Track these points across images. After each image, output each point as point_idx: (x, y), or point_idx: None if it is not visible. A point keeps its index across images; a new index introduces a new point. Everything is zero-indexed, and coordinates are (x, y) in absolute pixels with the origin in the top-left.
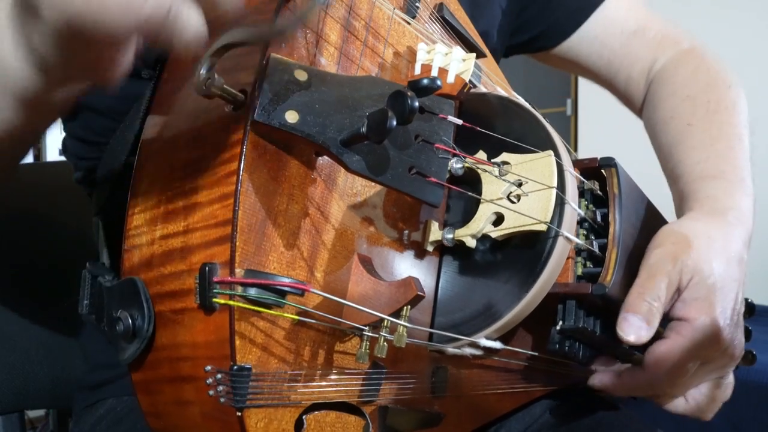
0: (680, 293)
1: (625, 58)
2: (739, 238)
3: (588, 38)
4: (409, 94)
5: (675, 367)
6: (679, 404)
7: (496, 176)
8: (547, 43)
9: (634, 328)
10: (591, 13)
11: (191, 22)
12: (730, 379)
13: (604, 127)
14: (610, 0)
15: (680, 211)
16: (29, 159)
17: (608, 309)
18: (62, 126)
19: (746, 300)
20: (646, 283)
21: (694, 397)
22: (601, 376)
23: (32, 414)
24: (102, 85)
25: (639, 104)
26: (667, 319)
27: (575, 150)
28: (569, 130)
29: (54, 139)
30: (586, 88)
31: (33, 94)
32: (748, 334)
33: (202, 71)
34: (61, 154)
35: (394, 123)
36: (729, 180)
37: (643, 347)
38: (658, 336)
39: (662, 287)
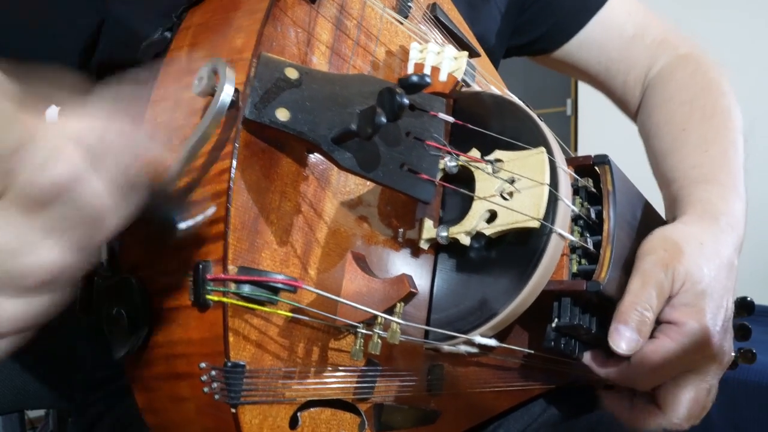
0: (672, 302)
1: (623, 63)
2: (730, 244)
3: (587, 42)
4: (398, 90)
5: (658, 367)
6: (667, 418)
7: (489, 173)
8: (547, 46)
9: (626, 340)
10: (591, 18)
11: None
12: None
13: (604, 127)
14: (610, 4)
15: (671, 215)
16: None
17: (603, 306)
18: None
19: (745, 298)
20: (638, 292)
21: (684, 406)
22: (592, 355)
23: (32, 414)
24: None
25: (634, 109)
26: (656, 322)
27: (575, 150)
28: (569, 130)
29: None
30: (586, 88)
31: None
32: (747, 332)
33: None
34: None
35: (383, 120)
36: (723, 184)
37: None
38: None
39: (654, 295)
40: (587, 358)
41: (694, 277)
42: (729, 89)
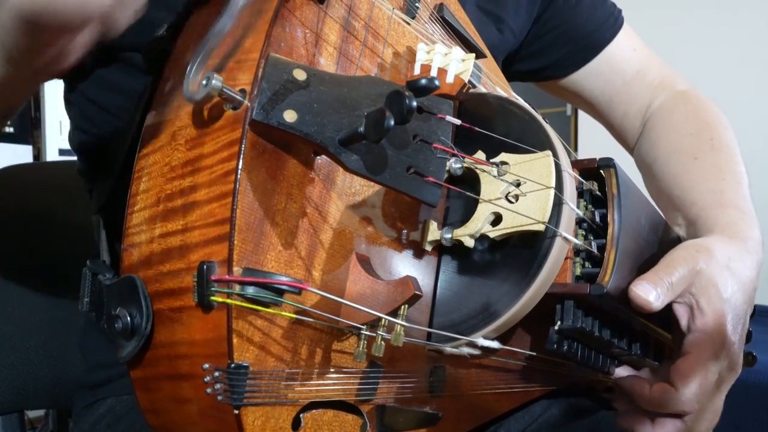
0: (697, 302)
1: (626, 95)
2: (755, 266)
3: (594, 74)
4: (407, 93)
5: (701, 379)
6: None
7: (494, 176)
8: (555, 74)
9: (645, 291)
10: (600, 51)
11: None
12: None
13: (603, 127)
14: (618, 39)
15: (695, 236)
16: (29, 159)
17: (606, 310)
18: (68, 116)
19: None
20: (662, 268)
21: (704, 414)
22: (630, 380)
23: (32, 414)
24: (62, 69)
25: (633, 140)
26: (682, 334)
27: (575, 150)
28: (569, 130)
29: (54, 140)
30: None
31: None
32: (748, 335)
33: (195, 77)
34: (60, 154)
35: (392, 123)
36: (744, 212)
37: (643, 349)
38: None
39: (677, 275)
40: (628, 383)
41: (719, 285)
42: (728, 124)
